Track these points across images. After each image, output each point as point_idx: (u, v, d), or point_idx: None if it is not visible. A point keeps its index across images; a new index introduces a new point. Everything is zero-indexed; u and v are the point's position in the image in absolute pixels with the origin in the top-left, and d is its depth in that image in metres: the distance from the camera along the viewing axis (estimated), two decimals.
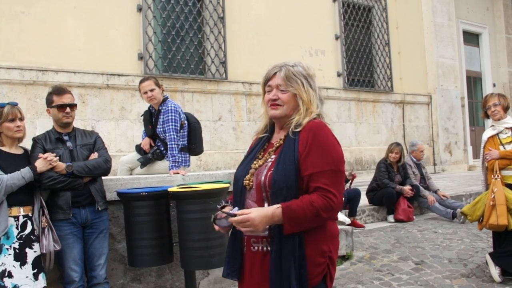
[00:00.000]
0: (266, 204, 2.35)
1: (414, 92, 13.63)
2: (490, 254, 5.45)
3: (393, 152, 8.19)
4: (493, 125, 5.52)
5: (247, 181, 2.42)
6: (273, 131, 2.57)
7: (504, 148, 5.34)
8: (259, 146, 2.55)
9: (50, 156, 3.90)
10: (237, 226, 2.28)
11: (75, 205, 4.02)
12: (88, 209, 4.10)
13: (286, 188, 2.29)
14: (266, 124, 2.59)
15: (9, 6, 7.83)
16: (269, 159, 2.43)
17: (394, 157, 8.20)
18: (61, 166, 3.94)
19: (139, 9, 9.03)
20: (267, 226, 2.30)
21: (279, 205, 2.25)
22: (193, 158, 6.00)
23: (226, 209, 2.39)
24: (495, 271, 5.28)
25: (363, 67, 12.67)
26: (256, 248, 2.40)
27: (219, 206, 2.46)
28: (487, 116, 5.57)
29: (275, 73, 2.47)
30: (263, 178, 2.37)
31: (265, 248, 2.37)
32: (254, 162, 2.47)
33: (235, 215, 2.26)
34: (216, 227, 2.41)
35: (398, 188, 7.98)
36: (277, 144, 2.46)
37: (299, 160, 2.31)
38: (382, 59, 13.05)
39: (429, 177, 8.83)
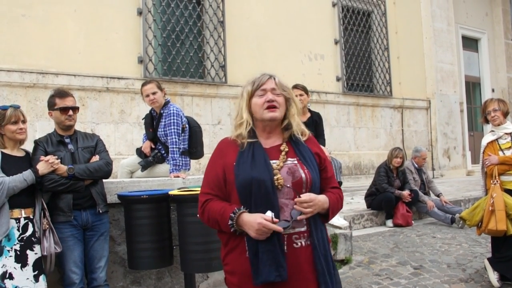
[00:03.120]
0: None
1: (413, 97, 13.66)
2: (488, 259, 5.47)
3: (398, 157, 8.23)
4: (493, 131, 5.53)
5: (278, 181, 2.50)
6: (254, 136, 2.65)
7: (504, 153, 5.35)
8: (258, 150, 2.58)
9: (51, 158, 3.91)
10: (304, 206, 2.47)
11: (76, 208, 4.03)
12: (89, 212, 4.10)
13: (318, 186, 2.60)
14: (250, 130, 2.63)
15: (9, 8, 7.84)
16: (288, 161, 2.58)
17: (398, 162, 8.24)
18: (63, 168, 3.96)
19: (139, 13, 9.05)
20: (305, 222, 2.52)
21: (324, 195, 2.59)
22: (192, 162, 6.01)
23: (255, 214, 2.44)
24: (493, 276, 5.30)
25: (362, 71, 12.70)
26: (299, 244, 2.51)
27: (234, 215, 2.47)
28: (487, 121, 5.58)
29: (268, 79, 2.63)
30: (304, 176, 2.54)
31: (307, 243, 2.53)
32: (274, 164, 2.54)
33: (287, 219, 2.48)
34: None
35: (397, 193, 7.99)
36: (285, 149, 2.61)
37: (318, 165, 2.64)
38: (381, 64, 13.09)
39: (431, 181, 8.86)
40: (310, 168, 2.57)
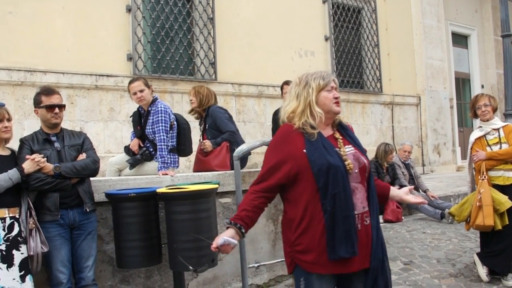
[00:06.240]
0: (365, 184, 2.85)
1: (403, 93, 13.68)
2: (477, 254, 5.50)
3: (392, 152, 8.28)
4: (481, 126, 5.56)
5: (349, 166, 2.75)
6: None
7: (491, 149, 5.38)
8: (324, 139, 2.81)
9: (37, 157, 3.88)
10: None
11: (63, 207, 4.00)
12: (76, 211, 4.07)
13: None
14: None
15: None
16: (347, 148, 2.85)
17: (392, 157, 8.28)
18: (49, 167, 3.92)
19: (128, 10, 8.99)
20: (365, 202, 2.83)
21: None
22: (182, 159, 5.99)
23: None
24: (482, 271, 5.33)
25: (352, 68, 12.70)
26: (367, 221, 2.80)
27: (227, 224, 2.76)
28: (476, 116, 5.61)
29: (333, 78, 2.93)
30: (366, 162, 2.86)
31: (370, 220, 2.82)
32: (340, 151, 2.79)
33: None
34: None
35: None
36: (339, 137, 2.89)
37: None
38: (371, 60, 13.09)
39: (418, 176, 8.86)
40: (365, 155, 2.90)
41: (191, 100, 6.15)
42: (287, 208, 2.85)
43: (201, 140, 6.08)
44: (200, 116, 6.23)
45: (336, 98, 2.87)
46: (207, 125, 6.04)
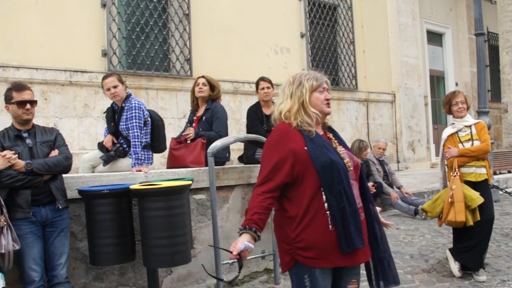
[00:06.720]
0: (358, 182, 2.94)
1: (378, 90, 13.78)
2: (450, 249, 5.58)
3: (366, 149, 8.31)
4: (453, 123, 5.64)
5: (347, 164, 2.85)
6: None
7: (463, 146, 5.45)
8: (321, 137, 2.89)
9: (8, 153, 3.83)
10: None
11: (35, 204, 3.95)
12: (49, 208, 4.03)
13: None
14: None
15: None
16: (340, 148, 2.93)
17: (367, 153, 8.33)
18: (20, 163, 3.88)
19: (103, 5, 8.91)
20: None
21: None
22: (156, 156, 5.96)
23: None
24: (454, 266, 5.41)
25: (328, 65, 12.75)
26: (362, 216, 2.86)
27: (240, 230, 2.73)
28: (450, 112, 5.67)
29: (325, 80, 2.99)
30: (358, 161, 2.98)
31: (364, 216, 2.91)
32: (338, 149, 2.90)
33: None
34: None
35: None
36: (331, 136, 2.98)
37: None
38: (347, 58, 13.16)
39: (392, 173, 8.92)
40: (355, 155, 3.01)
41: (200, 88, 6.11)
42: (287, 206, 2.81)
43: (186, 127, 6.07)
44: (196, 107, 6.22)
45: (327, 99, 2.94)
46: (203, 117, 6.02)
